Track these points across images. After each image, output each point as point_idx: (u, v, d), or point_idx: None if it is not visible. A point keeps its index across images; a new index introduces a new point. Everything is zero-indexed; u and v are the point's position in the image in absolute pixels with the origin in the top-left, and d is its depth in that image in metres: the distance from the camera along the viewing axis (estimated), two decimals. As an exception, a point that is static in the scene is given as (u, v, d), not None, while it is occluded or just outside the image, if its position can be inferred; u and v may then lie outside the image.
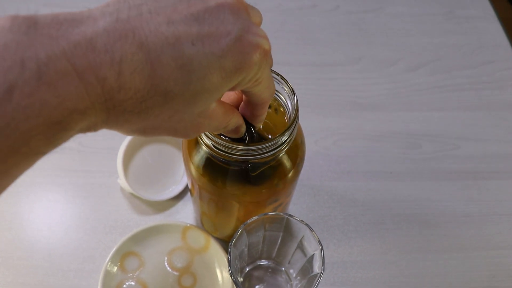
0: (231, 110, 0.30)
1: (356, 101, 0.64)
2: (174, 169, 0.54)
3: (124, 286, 0.47)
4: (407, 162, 0.59)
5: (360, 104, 0.63)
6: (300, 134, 0.40)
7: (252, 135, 0.34)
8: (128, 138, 0.51)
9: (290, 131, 0.35)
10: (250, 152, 0.34)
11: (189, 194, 0.54)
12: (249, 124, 0.33)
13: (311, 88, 0.64)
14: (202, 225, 0.50)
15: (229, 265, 0.37)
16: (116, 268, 0.47)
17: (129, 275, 0.47)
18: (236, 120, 0.30)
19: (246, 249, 0.44)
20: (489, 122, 0.63)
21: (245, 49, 0.23)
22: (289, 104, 0.37)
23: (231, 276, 0.37)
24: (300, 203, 0.54)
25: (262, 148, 0.34)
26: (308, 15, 0.74)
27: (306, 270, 0.42)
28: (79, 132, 0.22)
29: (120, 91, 0.21)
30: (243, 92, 0.29)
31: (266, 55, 0.25)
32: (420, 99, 0.65)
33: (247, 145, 0.34)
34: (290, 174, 0.38)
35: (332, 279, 0.50)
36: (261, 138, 0.36)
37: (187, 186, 0.54)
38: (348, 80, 0.66)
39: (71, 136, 0.21)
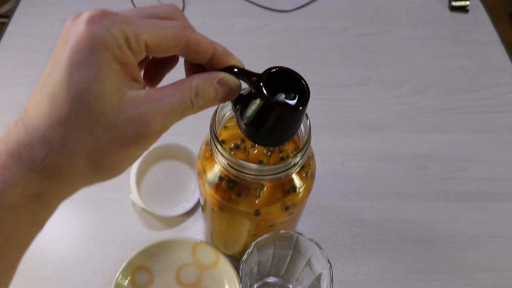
0: (177, 84, 0.27)
1: (363, 122, 0.65)
2: (185, 185, 0.56)
3: (135, 300, 0.47)
4: (413, 183, 0.60)
5: (368, 125, 0.65)
6: (310, 150, 0.41)
7: (244, 73, 0.29)
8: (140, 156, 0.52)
9: (303, 152, 0.36)
10: (263, 172, 0.35)
11: (199, 210, 0.55)
12: (232, 72, 0.29)
13: (320, 109, 0.66)
14: (212, 241, 0.51)
15: (240, 281, 0.38)
16: (126, 281, 0.48)
17: (139, 289, 0.48)
18: (196, 83, 0.27)
19: (255, 266, 0.45)
20: (494, 144, 0.64)
21: (66, 30, 0.24)
22: (302, 127, 0.39)
23: (241, 293, 0.38)
24: (308, 221, 0.55)
25: (275, 169, 0.35)
26: (317, 36, 0.76)
27: (315, 286, 0.42)
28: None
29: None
30: (184, 56, 0.28)
31: (102, 16, 0.23)
32: (426, 121, 0.66)
33: (261, 164, 0.35)
34: (301, 191, 0.40)
35: (339, 297, 0.50)
36: (259, 77, 0.29)
37: (198, 202, 0.55)
38: (356, 101, 0.67)
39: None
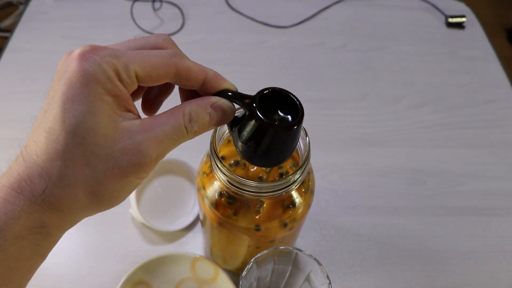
0: (170, 112, 0.27)
1: (361, 137, 0.65)
2: (184, 200, 0.56)
3: (134, 315, 0.47)
4: (411, 198, 0.60)
5: (366, 140, 0.65)
6: (309, 166, 0.41)
7: (237, 96, 0.30)
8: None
9: (302, 170, 0.36)
10: (262, 189, 0.36)
11: (199, 225, 0.55)
12: (225, 96, 0.30)
13: (318, 124, 0.67)
14: (211, 256, 0.51)
15: (239, 298, 0.38)
16: (127, 297, 0.48)
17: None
18: (189, 109, 0.27)
19: (255, 282, 0.45)
20: (492, 159, 0.65)
21: (65, 64, 0.25)
22: (301, 144, 0.39)
23: (241, 309, 0.38)
24: (307, 237, 0.55)
25: (275, 186, 0.36)
26: (315, 52, 0.77)
27: (314, 303, 0.43)
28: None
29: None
30: (176, 83, 0.29)
31: (92, 52, 0.24)
32: (424, 136, 0.67)
33: (260, 180, 0.35)
34: (301, 207, 0.40)
35: (338, 313, 0.50)
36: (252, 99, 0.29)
37: (197, 217, 0.55)
38: (354, 117, 0.68)
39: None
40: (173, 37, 0.83)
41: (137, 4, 0.81)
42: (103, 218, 0.55)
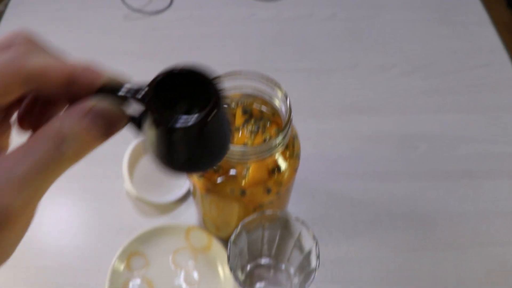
0: (35, 138, 0.20)
1: (352, 106, 0.66)
2: (177, 173, 0.57)
3: (130, 284, 0.49)
4: (404, 163, 0.60)
5: (357, 108, 0.65)
6: (293, 130, 0.42)
7: (123, 91, 0.21)
8: (132, 145, 0.53)
9: (284, 133, 0.37)
10: (247, 153, 0.36)
11: (191, 196, 0.56)
12: (109, 94, 0.21)
13: (308, 94, 0.67)
14: (204, 225, 0.52)
15: (228, 261, 0.39)
16: (122, 266, 0.49)
17: (134, 273, 0.49)
18: (58, 126, 0.20)
19: (246, 248, 0.46)
20: (485, 123, 0.65)
21: None
22: (283, 108, 0.40)
23: (231, 271, 0.39)
24: (299, 203, 0.56)
25: (258, 151, 0.36)
26: (305, 24, 0.76)
27: (304, 266, 0.44)
28: None
29: None
30: (37, 93, 0.22)
31: None
32: (416, 102, 0.67)
33: (245, 146, 0.35)
34: (286, 171, 0.41)
35: (330, 276, 0.51)
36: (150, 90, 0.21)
37: (190, 189, 0.56)
38: (345, 86, 0.68)
39: None
40: (161, 15, 0.84)
41: (125, -18, 0.80)
42: (98, 193, 0.56)
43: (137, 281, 0.49)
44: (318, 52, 0.72)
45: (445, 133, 0.64)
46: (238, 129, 0.41)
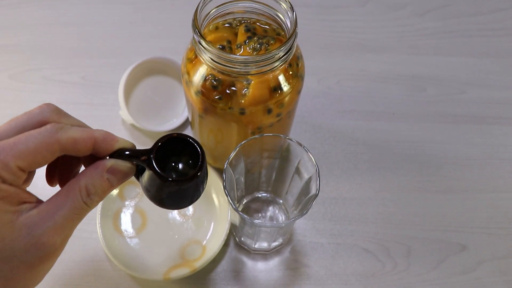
0: (63, 193, 0.27)
1: (361, 43, 0.63)
2: (175, 101, 0.54)
3: (123, 211, 0.47)
4: (411, 104, 0.58)
5: (365, 46, 0.62)
6: (298, 50, 0.39)
7: (132, 155, 0.29)
8: (128, 70, 0.51)
9: (288, 46, 0.35)
10: (248, 62, 0.34)
11: (189, 127, 0.54)
12: (121, 156, 0.29)
13: (316, 29, 0.64)
14: (201, 155, 0.50)
15: (224, 182, 0.37)
16: (115, 193, 0.47)
17: (126, 202, 0.48)
18: (84, 183, 0.27)
19: (242, 178, 0.45)
20: (497, 68, 0.62)
21: None
22: (288, 22, 0.37)
23: (226, 196, 0.37)
24: (300, 139, 0.53)
25: (259, 59, 0.34)
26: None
27: (303, 195, 0.42)
28: None
29: None
30: (64, 157, 0.28)
31: None
32: (427, 43, 0.64)
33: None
34: (289, 91, 0.38)
35: (330, 214, 0.50)
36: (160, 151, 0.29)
37: (187, 119, 0.54)
38: (354, 22, 0.65)
39: None
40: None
41: None
42: (94, 121, 0.54)
43: (130, 210, 0.48)
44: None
45: (455, 76, 0.61)
46: (240, 46, 0.38)
